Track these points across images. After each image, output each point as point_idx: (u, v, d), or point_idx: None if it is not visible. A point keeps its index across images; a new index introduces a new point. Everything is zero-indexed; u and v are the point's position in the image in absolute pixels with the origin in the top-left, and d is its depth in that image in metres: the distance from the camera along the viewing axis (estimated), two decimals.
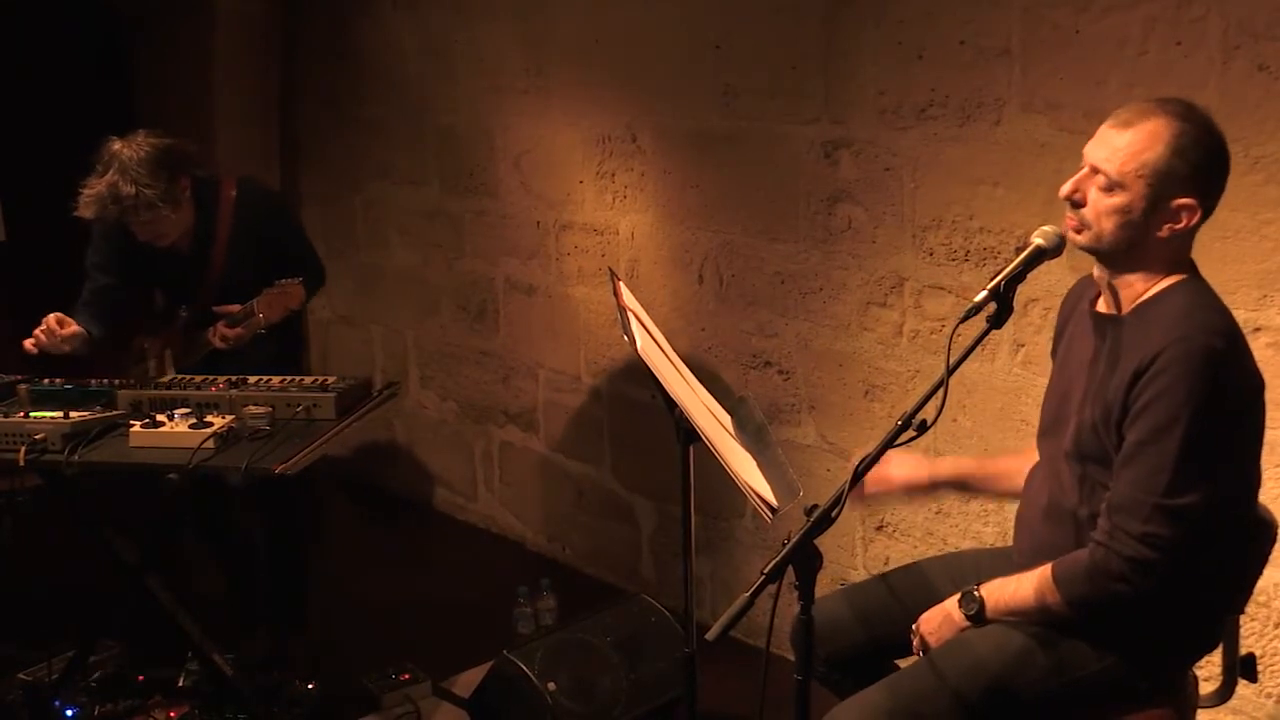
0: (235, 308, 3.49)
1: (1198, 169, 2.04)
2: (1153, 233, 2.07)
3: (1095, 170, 2.08)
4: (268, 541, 3.85)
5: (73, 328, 3.39)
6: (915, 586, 2.46)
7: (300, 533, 3.91)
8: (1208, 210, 2.09)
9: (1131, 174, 2.04)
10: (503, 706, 3.27)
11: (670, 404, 2.49)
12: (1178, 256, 2.13)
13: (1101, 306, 2.22)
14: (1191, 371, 1.99)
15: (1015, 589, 2.20)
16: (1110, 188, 2.06)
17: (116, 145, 3.34)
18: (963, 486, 2.61)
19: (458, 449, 5.10)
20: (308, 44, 5.31)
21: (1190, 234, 2.11)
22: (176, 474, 2.89)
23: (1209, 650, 2.27)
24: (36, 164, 5.22)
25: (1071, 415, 2.20)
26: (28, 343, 3.37)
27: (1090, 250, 2.14)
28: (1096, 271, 2.21)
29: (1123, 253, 2.11)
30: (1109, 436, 2.10)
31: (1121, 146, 2.05)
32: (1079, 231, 2.12)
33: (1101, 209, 2.08)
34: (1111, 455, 2.10)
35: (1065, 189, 2.13)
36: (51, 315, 3.38)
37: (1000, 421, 3.21)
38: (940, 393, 2.04)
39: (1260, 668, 2.63)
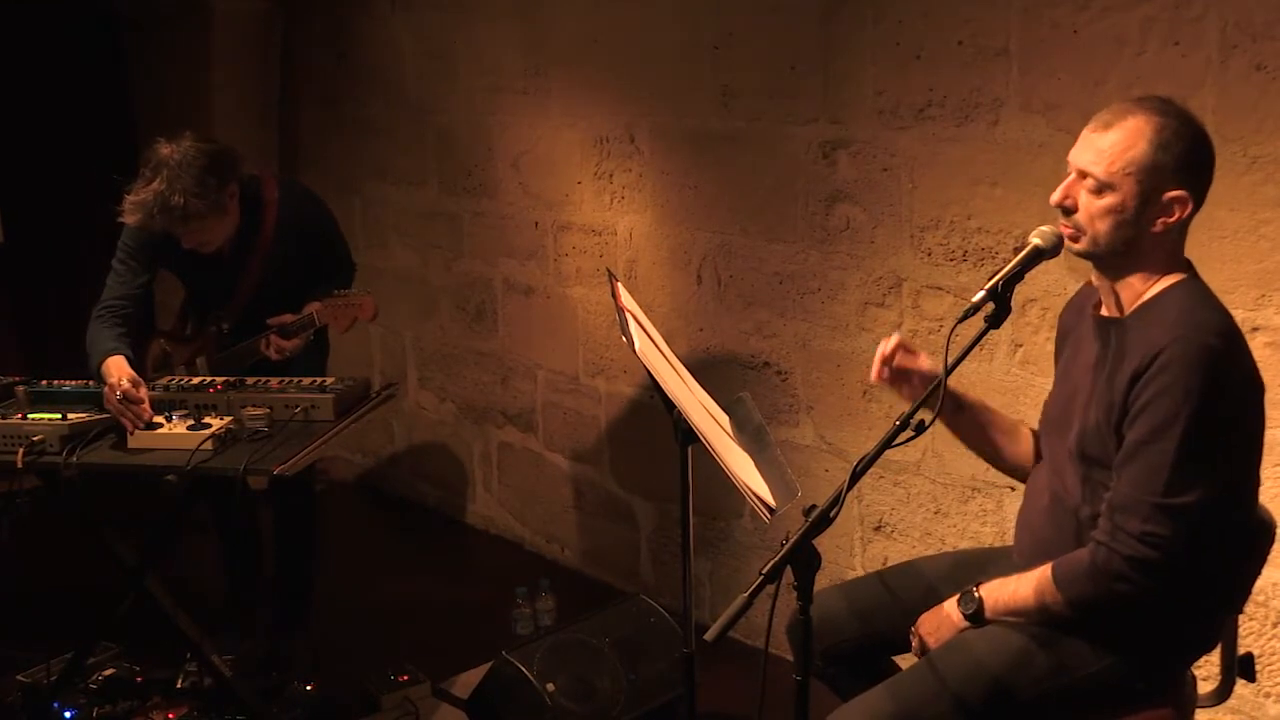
0: (289, 317, 3.39)
1: (1183, 160, 2.05)
2: (1147, 228, 2.08)
3: (1083, 174, 2.10)
4: (278, 541, 3.83)
5: (144, 388, 3.06)
6: (912, 585, 2.46)
7: (310, 536, 3.88)
8: (1198, 201, 2.10)
9: (1120, 173, 2.05)
10: (502, 707, 3.26)
11: (668, 404, 2.50)
12: (1173, 253, 2.14)
13: (1104, 311, 2.22)
14: (1190, 371, 2.00)
15: (1015, 589, 2.20)
16: (1100, 190, 2.08)
17: (165, 150, 3.19)
18: (959, 408, 2.45)
19: (456, 450, 5.09)
20: (307, 44, 5.31)
21: (1183, 228, 2.12)
22: (175, 475, 2.88)
23: (1208, 650, 2.28)
24: (36, 165, 5.24)
25: (1076, 416, 2.21)
26: (136, 420, 2.99)
27: (1088, 256, 2.14)
28: (1095, 278, 2.21)
29: (1120, 254, 2.11)
30: (1111, 439, 2.11)
31: (1106, 148, 2.06)
32: (1075, 240, 2.13)
33: (1094, 211, 2.09)
34: (1114, 458, 2.11)
35: (1055, 196, 2.14)
36: (126, 383, 3.01)
37: None
38: (938, 392, 2.04)
39: (1258, 667, 2.64)
